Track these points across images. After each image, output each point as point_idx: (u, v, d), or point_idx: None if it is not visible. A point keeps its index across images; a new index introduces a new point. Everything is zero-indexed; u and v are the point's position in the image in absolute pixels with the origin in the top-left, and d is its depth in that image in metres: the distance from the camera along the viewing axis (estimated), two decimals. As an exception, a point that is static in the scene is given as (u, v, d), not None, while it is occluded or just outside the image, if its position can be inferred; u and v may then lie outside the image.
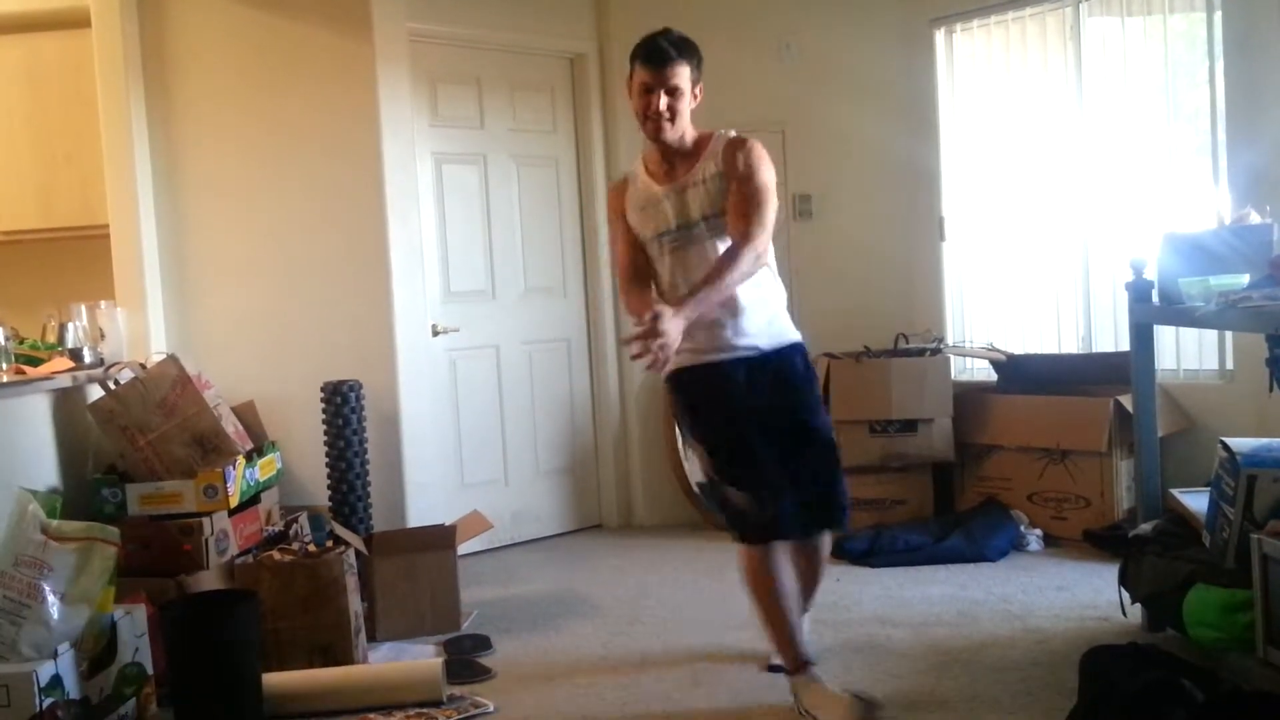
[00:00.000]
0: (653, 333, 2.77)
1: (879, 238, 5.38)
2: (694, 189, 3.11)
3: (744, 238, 3.00)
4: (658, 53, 3.07)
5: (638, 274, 3.25)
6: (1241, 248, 3.32)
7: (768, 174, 3.08)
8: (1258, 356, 3.63)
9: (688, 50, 3.11)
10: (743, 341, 3.12)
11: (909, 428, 4.88)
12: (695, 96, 3.14)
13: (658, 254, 3.19)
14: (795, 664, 3.07)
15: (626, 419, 5.52)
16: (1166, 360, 4.60)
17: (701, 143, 3.16)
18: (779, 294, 3.27)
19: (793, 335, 3.24)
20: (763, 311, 3.17)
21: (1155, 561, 3.27)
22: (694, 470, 5.36)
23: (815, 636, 3.63)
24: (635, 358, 2.82)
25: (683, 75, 3.08)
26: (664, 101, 3.06)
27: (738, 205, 3.04)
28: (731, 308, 3.10)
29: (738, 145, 3.11)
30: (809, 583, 3.36)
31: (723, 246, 3.07)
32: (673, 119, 3.08)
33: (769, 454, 3.05)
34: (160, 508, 3.64)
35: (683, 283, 3.10)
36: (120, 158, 4.44)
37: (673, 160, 3.17)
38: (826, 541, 3.35)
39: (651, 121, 3.09)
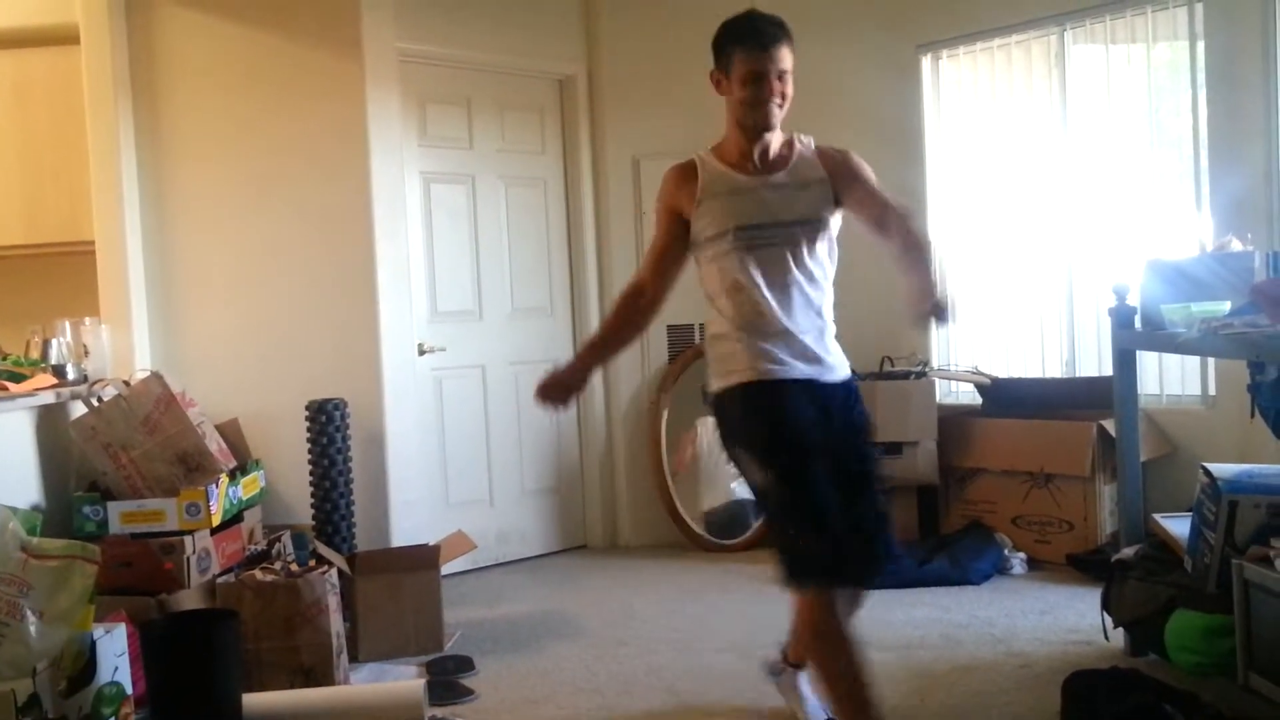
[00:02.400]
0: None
1: (864, 261, 5.34)
2: (795, 190, 2.83)
3: (900, 208, 2.84)
4: (762, 34, 2.77)
5: (646, 294, 2.92)
6: (1224, 274, 3.35)
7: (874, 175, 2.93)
8: (1239, 382, 3.66)
9: (786, 29, 2.82)
10: (829, 362, 2.85)
11: (894, 450, 4.89)
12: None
13: (726, 249, 2.82)
14: None
15: (612, 440, 5.52)
16: (1149, 385, 4.63)
17: (787, 140, 2.91)
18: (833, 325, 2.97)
19: (847, 369, 2.95)
20: (831, 334, 2.91)
21: (1137, 586, 3.28)
22: (712, 495, 5.34)
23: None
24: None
25: (789, 55, 2.81)
26: (777, 87, 2.79)
27: (874, 197, 2.86)
28: (819, 324, 2.86)
29: (841, 151, 2.92)
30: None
31: (805, 254, 2.82)
32: (784, 102, 2.83)
33: (835, 494, 2.71)
34: (142, 526, 3.62)
35: (760, 283, 2.79)
36: (107, 174, 4.43)
37: (763, 153, 2.87)
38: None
39: (764, 108, 2.79)
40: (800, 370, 2.78)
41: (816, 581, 2.67)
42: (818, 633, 2.70)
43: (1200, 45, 4.47)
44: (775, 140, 2.87)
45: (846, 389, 2.89)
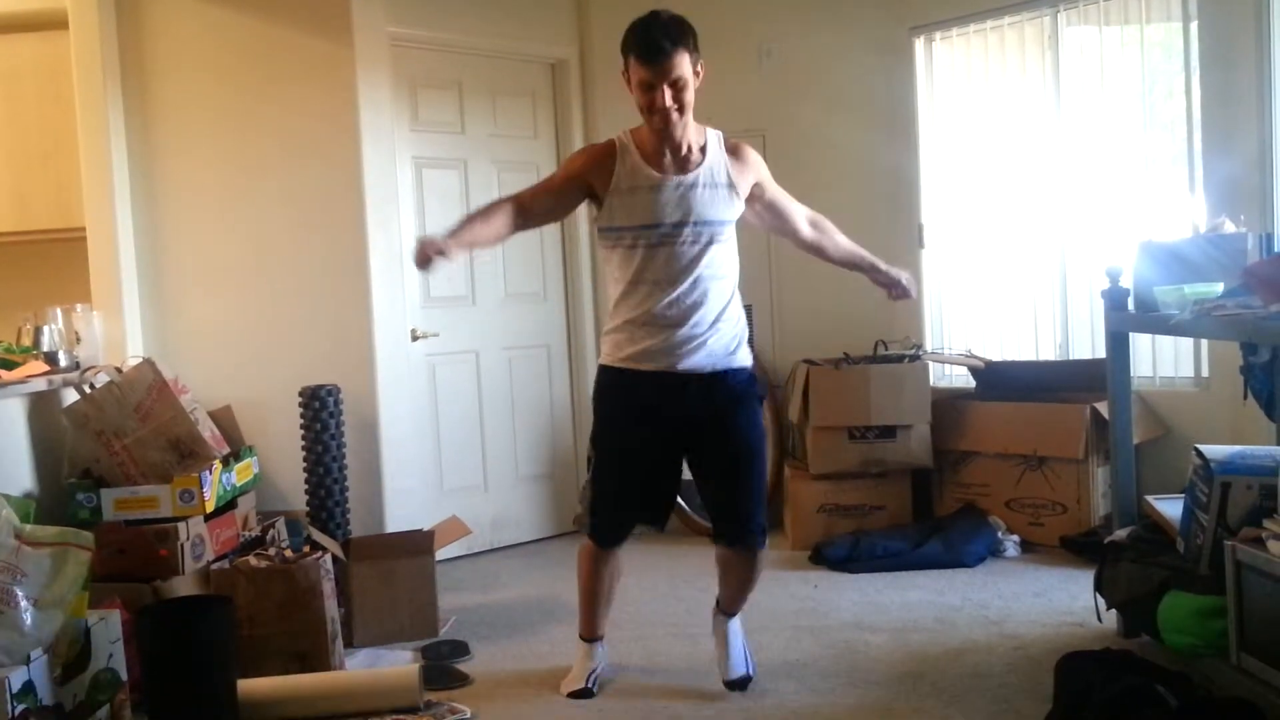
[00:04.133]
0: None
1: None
2: (705, 190, 3.01)
3: (813, 216, 3.34)
4: (652, 47, 2.90)
5: (519, 207, 3.08)
6: (1217, 256, 3.35)
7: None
8: (1232, 364, 3.67)
9: (683, 34, 2.94)
10: (706, 356, 3.09)
11: (888, 434, 4.89)
12: (698, 76, 2.99)
13: (628, 243, 3.03)
14: (583, 632, 3.44)
15: (606, 424, 5.51)
16: (1143, 368, 4.64)
17: (702, 136, 3.07)
18: (743, 318, 3.23)
19: (746, 360, 3.20)
20: (729, 331, 3.13)
21: (1130, 568, 3.29)
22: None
23: (794, 643, 3.64)
24: None
25: (683, 64, 2.92)
26: (668, 96, 2.91)
27: (783, 203, 3.27)
28: (714, 321, 3.08)
29: (740, 154, 3.13)
30: (739, 590, 3.37)
31: (706, 253, 3.02)
32: (681, 111, 2.95)
33: (653, 478, 3.23)
34: (136, 512, 3.62)
35: (653, 284, 3.02)
36: (97, 160, 4.42)
37: (675, 149, 3.01)
38: (759, 556, 3.30)
39: (659, 116, 2.94)
40: (669, 363, 3.07)
41: (593, 537, 3.30)
42: (581, 564, 3.38)
43: (1193, 26, 4.46)
44: (688, 137, 3.03)
45: (731, 384, 3.14)
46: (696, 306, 3.05)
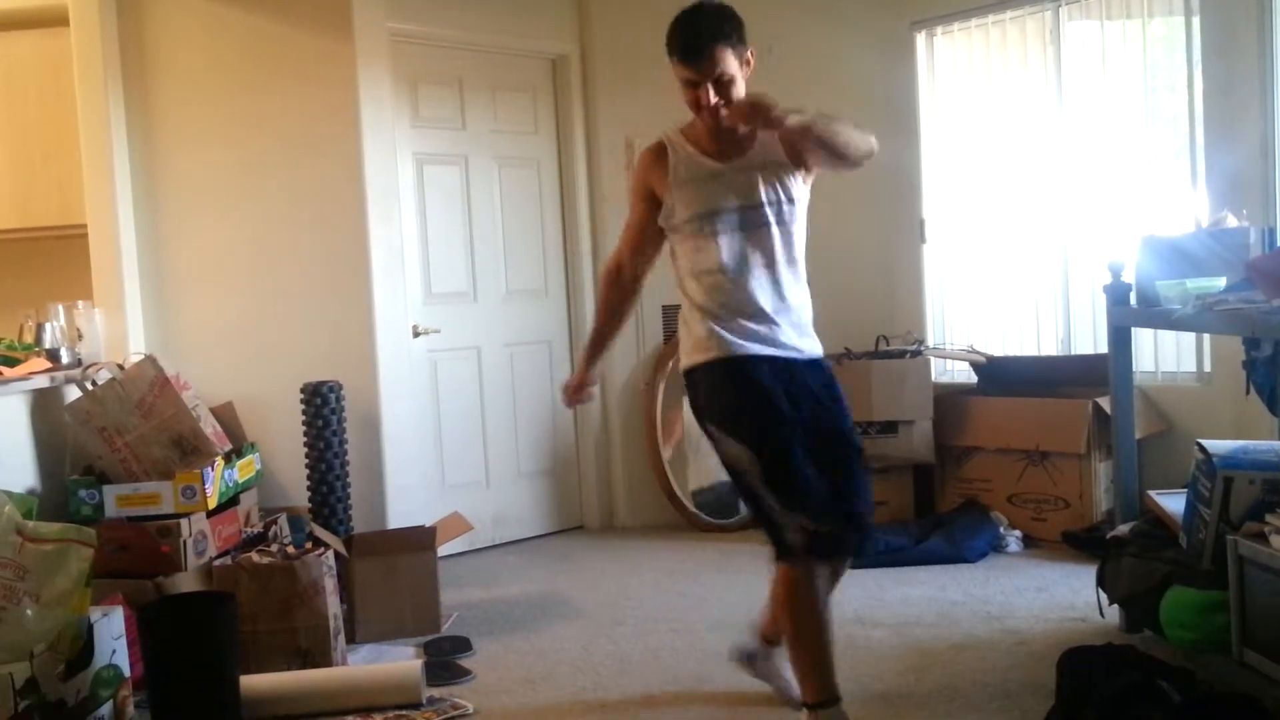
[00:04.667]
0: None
1: (860, 240, 5.39)
2: (767, 170, 2.85)
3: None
4: (691, 47, 2.78)
5: (625, 275, 3.03)
6: (1219, 251, 3.34)
7: None
8: (1235, 359, 3.67)
9: (726, 28, 2.81)
10: (793, 341, 2.88)
11: (889, 429, 4.89)
12: (748, 66, 2.88)
13: (693, 234, 2.86)
14: (826, 695, 2.79)
15: (608, 420, 5.52)
16: (1145, 362, 4.63)
17: None
18: (810, 307, 3.02)
19: (820, 350, 3.00)
20: (806, 315, 2.96)
21: (1133, 563, 3.29)
22: (697, 475, 5.34)
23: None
24: None
25: (727, 60, 2.80)
26: (713, 94, 2.79)
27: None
28: (790, 305, 2.89)
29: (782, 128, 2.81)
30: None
31: (774, 236, 2.85)
32: (729, 104, 2.80)
33: (811, 468, 2.75)
34: (138, 509, 3.62)
35: (729, 267, 2.82)
36: (98, 157, 4.41)
37: (729, 137, 2.88)
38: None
39: (708, 114, 2.82)
40: (767, 350, 2.83)
41: (801, 553, 2.74)
42: (793, 604, 2.78)
43: (1195, 20, 4.45)
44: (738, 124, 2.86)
45: (818, 369, 2.94)
46: (779, 289, 2.88)
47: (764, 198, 2.85)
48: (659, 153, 2.94)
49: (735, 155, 2.88)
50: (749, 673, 3.22)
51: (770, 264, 2.86)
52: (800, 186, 2.93)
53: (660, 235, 2.97)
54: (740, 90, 2.84)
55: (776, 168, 2.88)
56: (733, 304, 2.84)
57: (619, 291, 3.08)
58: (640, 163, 2.99)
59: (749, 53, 2.88)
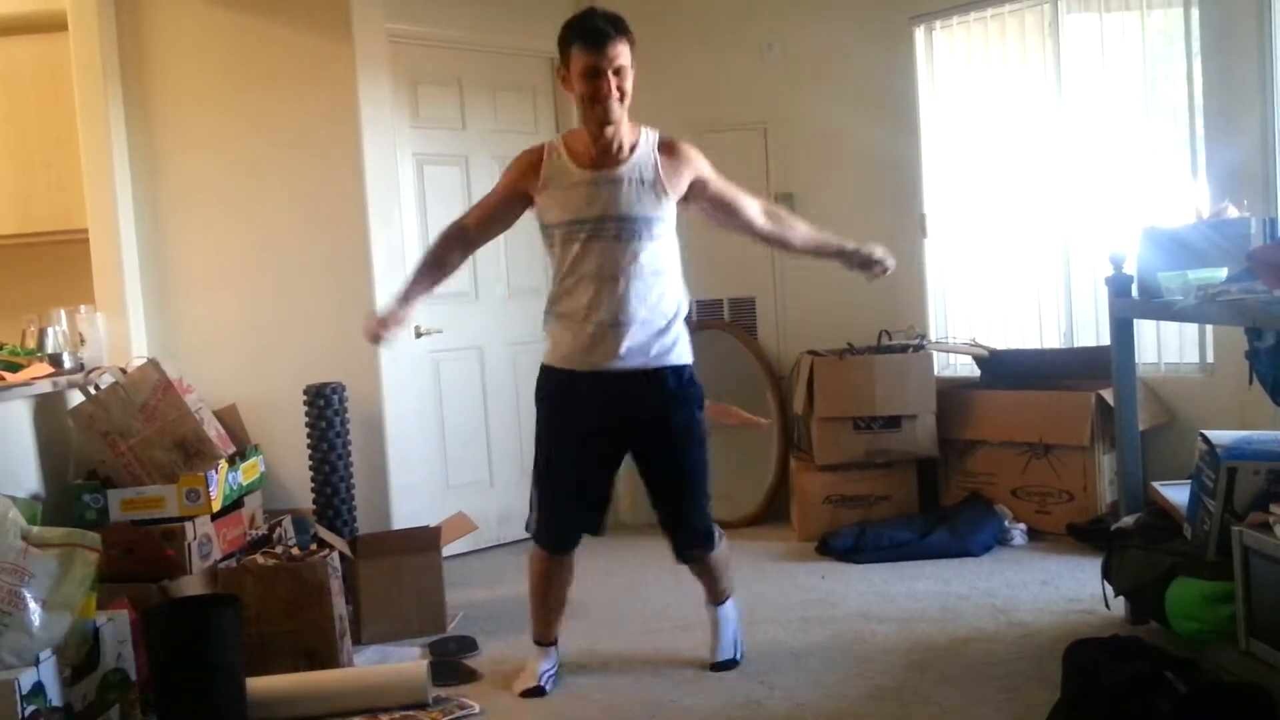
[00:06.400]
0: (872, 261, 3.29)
1: (861, 235, 5.30)
2: (630, 185, 3.02)
3: (760, 202, 3.27)
4: (597, 33, 2.96)
5: (466, 237, 3.24)
6: (1220, 241, 3.34)
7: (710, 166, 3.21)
8: (1238, 349, 3.65)
9: (624, 27, 3.01)
10: (652, 352, 3.11)
11: (893, 424, 4.89)
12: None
13: (559, 239, 3.09)
14: (536, 637, 3.41)
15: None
16: (1147, 354, 4.63)
17: (634, 135, 3.08)
18: (682, 315, 3.21)
19: (684, 358, 3.19)
20: (663, 324, 3.13)
21: (1138, 555, 3.29)
22: None
23: (802, 634, 3.64)
24: None
25: (625, 53, 2.98)
26: (612, 83, 2.95)
27: (731, 194, 3.20)
28: (651, 315, 3.09)
29: (675, 150, 3.10)
30: (708, 581, 3.46)
31: (639, 248, 3.03)
32: (623, 99, 2.98)
33: (593, 481, 3.26)
34: (142, 513, 3.63)
35: (582, 280, 3.04)
36: (98, 161, 4.42)
37: (606, 146, 3.04)
38: (711, 557, 3.39)
39: (602, 106, 2.97)
40: (605, 363, 3.09)
41: (545, 545, 3.34)
42: (531, 571, 3.40)
43: (1195, 12, 4.44)
44: (622, 134, 3.04)
45: (669, 379, 3.15)
46: (625, 303, 3.06)
47: (626, 211, 3.02)
48: (536, 157, 3.14)
49: (606, 165, 3.04)
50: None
51: (626, 274, 3.04)
52: (665, 205, 3.11)
53: (506, 219, 3.24)
54: (630, 87, 3.01)
55: (643, 184, 3.03)
56: (582, 311, 3.07)
57: (453, 247, 3.27)
58: (517, 160, 3.21)
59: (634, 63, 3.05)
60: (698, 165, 3.17)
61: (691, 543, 3.32)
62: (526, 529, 3.39)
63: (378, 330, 3.18)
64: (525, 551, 5.00)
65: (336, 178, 4.50)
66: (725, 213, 3.25)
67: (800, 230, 3.33)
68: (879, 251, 3.32)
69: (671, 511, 3.30)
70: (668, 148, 3.12)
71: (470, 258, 4.95)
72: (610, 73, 2.95)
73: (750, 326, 5.51)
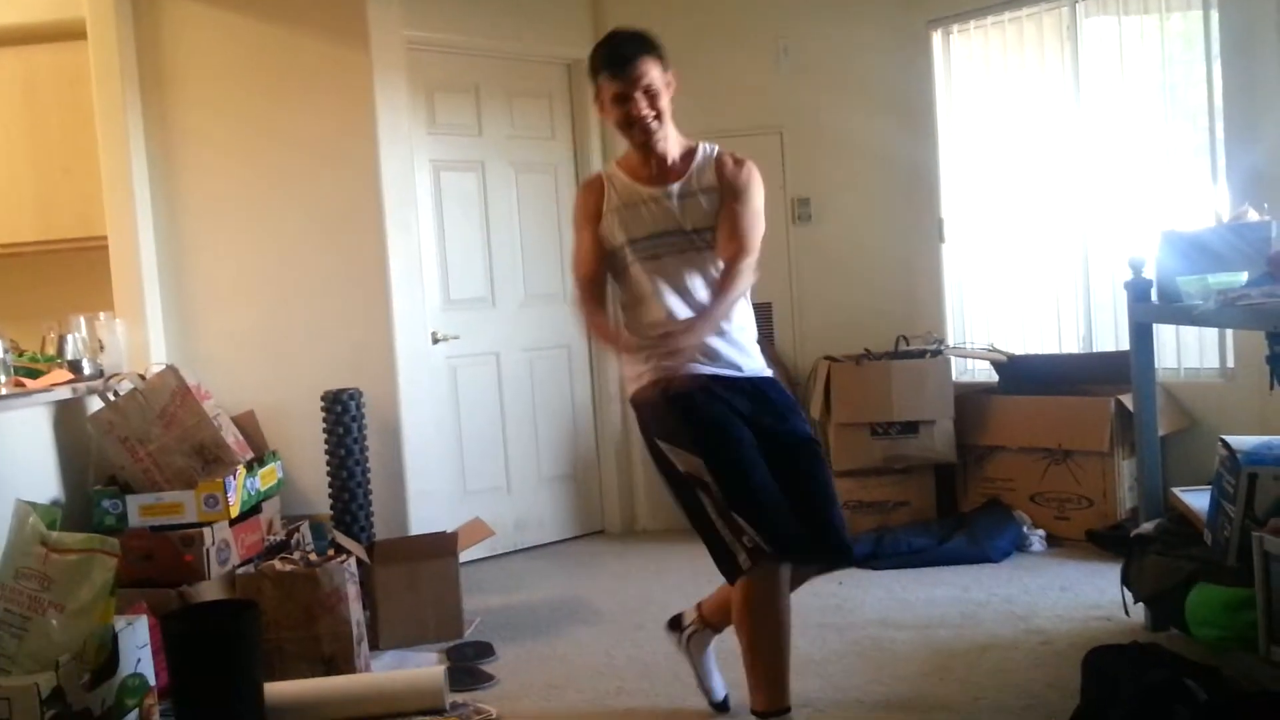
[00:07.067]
0: (668, 347, 2.78)
1: (878, 240, 5.38)
2: (691, 198, 2.95)
3: (740, 253, 2.89)
4: (618, 58, 2.89)
5: (597, 285, 3.05)
6: (1240, 245, 3.32)
7: (761, 199, 2.99)
8: (1258, 354, 3.63)
9: (648, 45, 2.92)
10: (736, 360, 2.96)
11: (910, 429, 4.87)
12: (670, 89, 2.96)
13: (630, 260, 2.98)
14: (777, 706, 2.77)
15: (628, 424, 5.50)
16: (1167, 359, 4.60)
17: (689, 148, 3.03)
18: (753, 326, 3.09)
19: (767, 370, 3.07)
20: (744, 335, 3.03)
21: (1157, 561, 3.27)
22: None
23: (820, 641, 3.63)
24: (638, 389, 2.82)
25: (652, 72, 2.90)
26: (643, 104, 2.89)
27: (734, 224, 2.92)
28: (724, 325, 2.95)
29: (738, 162, 3.01)
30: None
31: (706, 259, 2.95)
32: (659, 119, 2.92)
33: (766, 473, 2.79)
34: (161, 518, 3.64)
35: (664, 292, 2.93)
36: (118, 169, 4.44)
37: (661, 163, 2.99)
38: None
39: (639, 128, 2.91)
40: (705, 367, 2.89)
41: (763, 560, 2.70)
42: (753, 609, 2.74)
43: (1214, 15, 4.42)
44: (672, 149, 2.98)
45: (759, 384, 2.98)
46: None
47: (692, 223, 2.94)
48: (597, 184, 3.06)
49: (666, 181, 2.98)
50: (673, 641, 3.26)
51: (700, 287, 2.95)
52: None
53: (607, 257, 3.04)
54: (666, 106, 2.93)
55: (707, 194, 2.96)
56: (665, 327, 2.90)
57: (597, 291, 3.03)
58: (580, 194, 3.11)
59: (670, 75, 2.96)
60: (742, 181, 2.98)
61: (836, 540, 2.87)
62: (742, 567, 2.73)
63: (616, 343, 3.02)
64: (543, 558, 5.07)
65: (353, 184, 4.52)
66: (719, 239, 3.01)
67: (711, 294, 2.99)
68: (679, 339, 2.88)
69: (807, 510, 2.83)
70: (726, 160, 3.01)
71: (488, 264, 5.14)
72: (640, 95, 2.89)
73: (767, 332, 5.50)
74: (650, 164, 2.99)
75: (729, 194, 2.96)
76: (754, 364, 3.01)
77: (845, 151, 5.35)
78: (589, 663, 3.59)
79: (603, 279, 3.05)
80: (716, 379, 2.89)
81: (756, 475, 2.76)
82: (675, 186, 2.97)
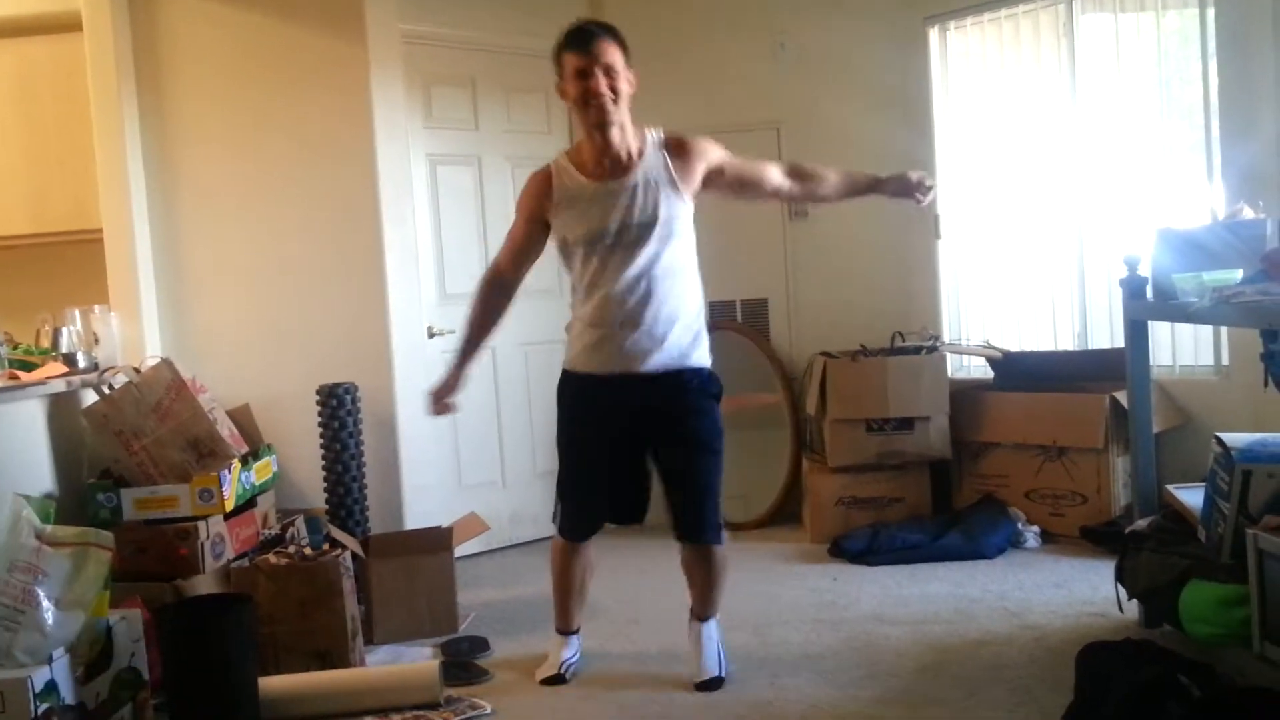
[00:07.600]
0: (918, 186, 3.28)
1: (874, 236, 5.37)
2: (645, 190, 3.03)
3: (793, 166, 3.27)
4: (584, 34, 2.99)
5: (504, 284, 3.26)
6: (1235, 243, 3.32)
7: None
8: (1253, 352, 3.64)
9: (614, 33, 3.03)
10: (653, 357, 3.11)
11: (906, 426, 4.88)
12: (630, 85, 3.03)
13: (575, 253, 3.12)
14: (557, 626, 3.49)
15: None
16: (1162, 356, 4.61)
17: (640, 147, 3.08)
18: (701, 316, 3.23)
19: (703, 359, 3.20)
20: (687, 326, 3.15)
21: (1151, 557, 3.27)
22: None
23: (814, 636, 3.64)
24: None
25: (614, 54, 2.98)
26: (603, 82, 2.95)
27: (747, 168, 3.22)
28: (671, 319, 3.11)
29: (685, 145, 3.12)
30: (705, 591, 3.40)
31: (656, 253, 3.04)
32: (616, 99, 2.97)
33: (614, 475, 3.27)
34: (156, 512, 3.64)
35: (602, 288, 3.06)
36: (113, 162, 4.44)
37: (613, 155, 3.04)
38: (716, 553, 3.33)
39: (594, 105, 2.96)
40: (629, 368, 3.11)
41: (561, 533, 3.36)
42: (554, 560, 3.45)
43: (1210, 12, 4.42)
44: (626, 140, 3.05)
45: (687, 382, 3.16)
46: (644, 307, 3.08)
47: (644, 217, 3.03)
48: (544, 178, 3.15)
49: (616, 174, 3.05)
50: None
51: (649, 278, 3.06)
52: (682, 204, 3.11)
53: (536, 253, 3.25)
54: (625, 90, 3.01)
55: (656, 186, 3.04)
56: (601, 318, 3.09)
57: (500, 295, 3.30)
58: (527, 185, 3.22)
59: (633, 70, 3.05)
60: (709, 155, 3.17)
61: (701, 526, 3.27)
62: (553, 520, 3.41)
63: (442, 405, 3.34)
64: (538, 552, 5.07)
65: (350, 178, 4.51)
66: (751, 188, 3.28)
67: (830, 179, 3.33)
68: (915, 174, 3.33)
69: (684, 503, 3.27)
70: (675, 145, 3.13)
71: (484, 258, 5.12)
72: (600, 72, 2.95)
73: (763, 328, 5.50)
74: (602, 158, 3.05)
75: (712, 171, 3.14)
76: (692, 357, 3.16)
77: (842, 147, 5.33)
78: (583, 657, 3.58)
79: (513, 278, 3.27)
80: (636, 379, 3.12)
81: (581, 475, 3.27)
82: (630, 178, 3.04)
